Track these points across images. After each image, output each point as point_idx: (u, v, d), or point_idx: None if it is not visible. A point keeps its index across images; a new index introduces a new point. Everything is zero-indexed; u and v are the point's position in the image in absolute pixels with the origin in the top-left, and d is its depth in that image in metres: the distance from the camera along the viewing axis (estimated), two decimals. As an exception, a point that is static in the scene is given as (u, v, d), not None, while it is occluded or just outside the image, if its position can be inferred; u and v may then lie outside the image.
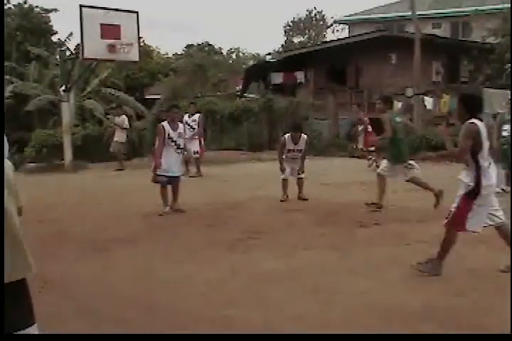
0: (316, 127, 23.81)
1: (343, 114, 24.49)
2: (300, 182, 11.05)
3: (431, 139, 18.93)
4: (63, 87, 18.43)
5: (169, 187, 9.87)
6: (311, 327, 4.75)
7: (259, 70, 30.45)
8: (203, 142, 15.08)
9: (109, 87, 31.28)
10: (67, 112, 18.21)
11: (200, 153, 14.86)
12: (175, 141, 9.73)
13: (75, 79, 21.07)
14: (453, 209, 5.91)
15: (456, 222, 5.88)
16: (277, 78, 29.20)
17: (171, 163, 9.68)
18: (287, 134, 11.08)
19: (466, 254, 6.85)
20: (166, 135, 9.68)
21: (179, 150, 9.83)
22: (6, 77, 30.43)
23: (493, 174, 5.92)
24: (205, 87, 31.25)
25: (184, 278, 6.24)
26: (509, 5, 22.26)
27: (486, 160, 5.88)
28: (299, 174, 11.06)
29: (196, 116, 14.83)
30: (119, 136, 17.56)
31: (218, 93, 30.16)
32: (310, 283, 5.92)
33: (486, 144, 5.87)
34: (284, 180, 10.97)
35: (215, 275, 6.33)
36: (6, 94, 28.39)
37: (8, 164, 3.46)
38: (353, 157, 19.64)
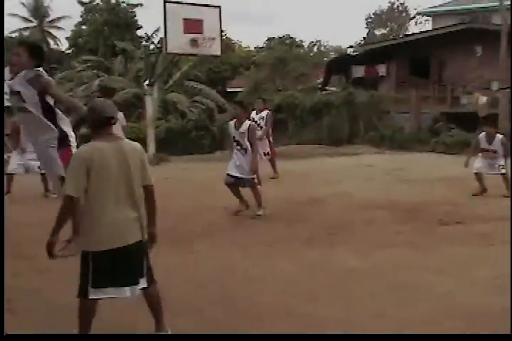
0: (398, 121, 23.50)
1: (425, 108, 24.08)
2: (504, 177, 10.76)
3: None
4: (147, 81, 18.83)
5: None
6: (392, 327, 4.73)
7: (340, 63, 30.25)
8: (271, 141, 13.58)
9: (191, 80, 31.74)
10: (150, 105, 18.59)
11: (272, 153, 13.46)
12: (237, 141, 9.09)
13: (159, 73, 21.49)
14: None
15: None
16: (359, 71, 28.96)
17: (234, 162, 9.18)
18: (482, 133, 10.74)
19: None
20: (229, 134, 9.34)
21: (243, 151, 9.10)
22: (94, 71, 31.35)
23: None
24: (286, 80, 31.24)
25: (263, 273, 6.30)
26: None
27: None
28: (502, 168, 10.71)
29: (264, 113, 13.48)
30: None
31: (299, 86, 30.09)
32: (391, 282, 5.88)
33: None
34: (477, 174, 10.73)
35: (295, 271, 6.37)
36: (93, 87, 29.19)
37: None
38: (436, 152, 19.28)
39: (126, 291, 4.33)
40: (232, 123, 9.26)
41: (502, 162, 10.70)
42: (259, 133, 12.90)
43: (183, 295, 5.52)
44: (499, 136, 10.65)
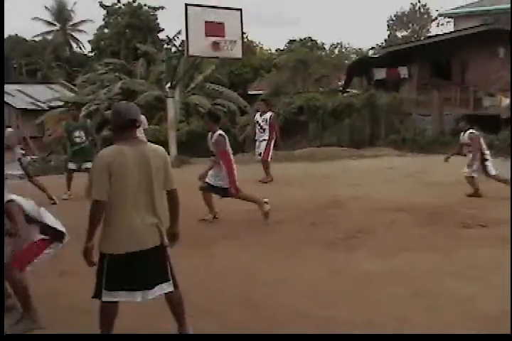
0: (420, 123, 23.36)
1: (447, 110, 23.91)
2: None
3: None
4: (169, 84, 18.90)
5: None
6: (413, 332, 4.71)
7: (361, 65, 30.14)
8: (272, 145, 13.22)
9: (213, 83, 31.80)
10: (172, 108, 18.64)
11: (264, 157, 13.12)
12: (211, 152, 9.21)
13: (180, 76, 21.57)
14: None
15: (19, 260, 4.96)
16: (380, 73, 28.84)
17: (211, 171, 9.17)
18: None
19: None
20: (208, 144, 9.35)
21: (217, 160, 9.10)
22: (116, 74, 31.52)
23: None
24: (307, 82, 31.19)
25: (284, 276, 6.32)
26: None
27: None
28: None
29: (267, 115, 13.23)
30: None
31: (320, 88, 30.04)
32: (412, 286, 5.87)
33: None
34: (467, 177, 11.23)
35: (316, 274, 6.37)
36: (115, 90, 29.29)
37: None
38: (458, 154, 19.11)
39: (138, 296, 4.33)
40: (209, 134, 9.30)
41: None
42: (263, 135, 13.18)
43: (204, 298, 5.54)
44: (469, 131, 11.33)
